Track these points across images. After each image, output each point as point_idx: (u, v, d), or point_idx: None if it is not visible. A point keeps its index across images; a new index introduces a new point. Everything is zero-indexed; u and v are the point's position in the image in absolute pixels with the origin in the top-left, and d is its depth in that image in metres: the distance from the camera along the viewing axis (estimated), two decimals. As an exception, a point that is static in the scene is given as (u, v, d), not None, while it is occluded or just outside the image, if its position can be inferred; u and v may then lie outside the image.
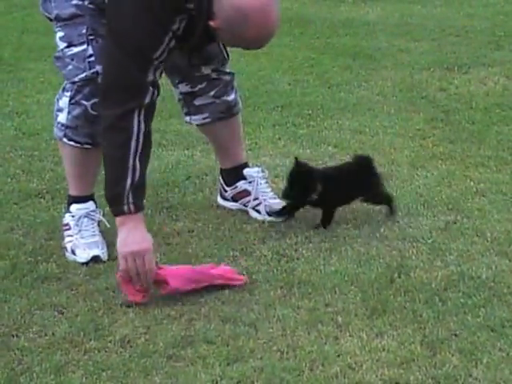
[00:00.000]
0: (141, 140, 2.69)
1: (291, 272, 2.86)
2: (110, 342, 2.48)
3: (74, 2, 2.86)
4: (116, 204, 2.72)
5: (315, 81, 4.97)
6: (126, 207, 2.70)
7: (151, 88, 2.70)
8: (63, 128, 2.99)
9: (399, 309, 2.62)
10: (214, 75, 3.18)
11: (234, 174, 3.35)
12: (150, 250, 2.69)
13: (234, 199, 3.36)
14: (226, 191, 3.37)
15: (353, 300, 2.68)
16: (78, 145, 3.00)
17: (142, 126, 2.69)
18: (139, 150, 2.69)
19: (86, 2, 2.85)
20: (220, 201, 3.40)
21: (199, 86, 3.18)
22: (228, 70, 3.23)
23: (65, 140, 3.00)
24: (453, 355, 2.38)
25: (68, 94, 2.94)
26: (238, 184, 3.35)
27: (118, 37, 2.67)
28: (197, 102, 3.23)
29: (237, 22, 2.60)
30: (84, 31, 2.87)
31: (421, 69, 5.16)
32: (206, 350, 2.44)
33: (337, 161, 3.78)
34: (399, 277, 2.80)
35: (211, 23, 2.61)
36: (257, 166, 3.47)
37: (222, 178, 3.39)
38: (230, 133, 3.31)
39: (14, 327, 2.56)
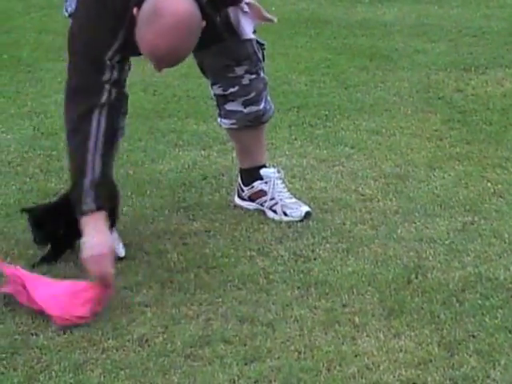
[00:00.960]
0: (100, 139, 2.70)
1: (308, 272, 2.86)
2: (128, 341, 2.50)
3: None
4: (77, 204, 2.69)
5: (332, 81, 4.96)
6: (84, 206, 2.67)
7: (108, 87, 2.72)
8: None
9: (416, 309, 2.62)
10: (246, 79, 3.17)
11: (251, 174, 3.36)
12: (106, 255, 2.63)
13: (251, 199, 3.36)
14: (243, 191, 3.39)
15: (370, 300, 2.68)
16: None
17: (103, 125, 2.70)
18: (99, 150, 2.70)
19: None
20: (237, 200, 3.41)
21: (231, 90, 3.18)
22: (262, 75, 3.22)
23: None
24: (470, 356, 2.38)
25: None
26: (254, 184, 3.36)
27: (73, 39, 2.76)
28: (227, 107, 3.24)
29: (145, 17, 2.55)
30: None
31: (437, 69, 5.14)
32: (223, 349, 2.45)
33: (354, 161, 3.79)
34: (416, 277, 2.80)
35: (134, 9, 2.58)
36: (273, 166, 3.48)
37: (241, 177, 3.41)
38: (254, 138, 3.34)
39: (33, 326, 2.58)
